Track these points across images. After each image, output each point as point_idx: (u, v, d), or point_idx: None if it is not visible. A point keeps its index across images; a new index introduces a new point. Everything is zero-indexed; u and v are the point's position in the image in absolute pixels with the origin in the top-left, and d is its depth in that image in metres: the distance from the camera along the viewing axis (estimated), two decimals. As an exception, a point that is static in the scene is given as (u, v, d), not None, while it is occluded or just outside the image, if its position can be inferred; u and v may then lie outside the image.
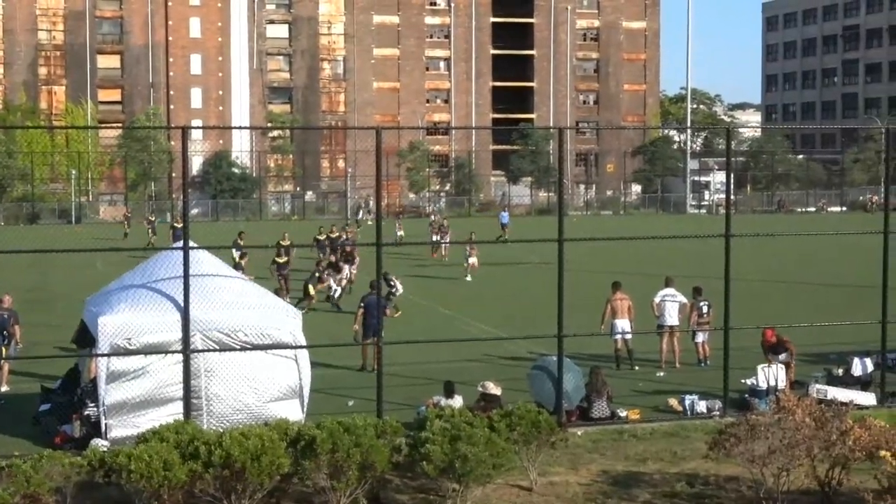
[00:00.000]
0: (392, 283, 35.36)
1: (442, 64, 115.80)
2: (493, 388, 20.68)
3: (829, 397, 20.58)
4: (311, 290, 35.15)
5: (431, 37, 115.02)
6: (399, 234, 61.81)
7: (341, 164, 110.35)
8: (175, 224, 59.45)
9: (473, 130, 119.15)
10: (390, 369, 23.24)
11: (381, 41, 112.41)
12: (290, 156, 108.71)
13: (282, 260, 38.51)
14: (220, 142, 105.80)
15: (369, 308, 25.95)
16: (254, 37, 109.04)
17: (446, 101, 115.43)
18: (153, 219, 66.65)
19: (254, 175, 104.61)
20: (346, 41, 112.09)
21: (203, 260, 20.16)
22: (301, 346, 19.43)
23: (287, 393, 19.24)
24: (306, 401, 19.47)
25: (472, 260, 45.88)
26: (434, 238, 55.23)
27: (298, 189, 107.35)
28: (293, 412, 18.77)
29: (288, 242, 40.24)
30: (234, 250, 38.55)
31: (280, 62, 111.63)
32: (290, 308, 20.93)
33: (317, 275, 36.40)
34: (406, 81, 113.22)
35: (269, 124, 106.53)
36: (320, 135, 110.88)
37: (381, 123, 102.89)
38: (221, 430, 15.48)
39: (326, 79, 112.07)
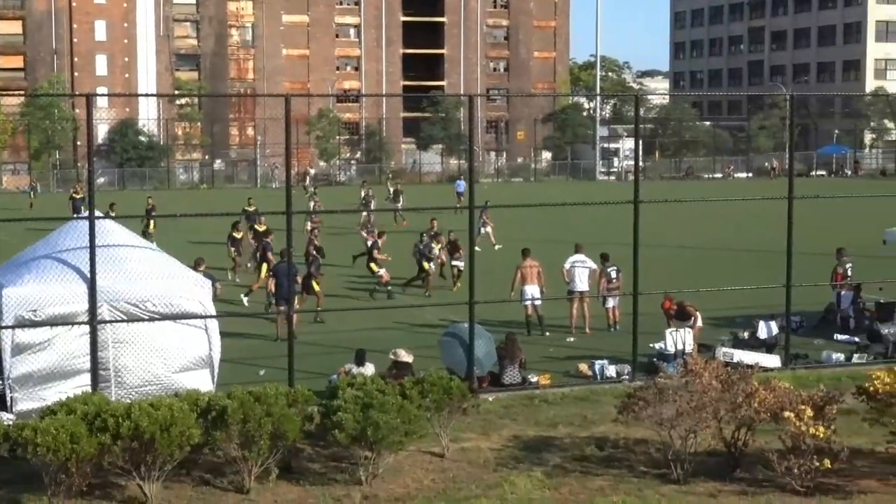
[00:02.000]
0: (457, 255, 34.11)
1: (352, 31, 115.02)
2: (405, 356, 20.71)
3: (735, 360, 20.94)
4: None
5: (341, 3, 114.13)
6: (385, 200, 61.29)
7: (250, 132, 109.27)
8: (74, 195, 57.91)
9: (384, 98, 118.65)
10: (302, 338, 23.18)
11: (290, 8, 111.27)
12: (199, 124, 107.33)
13: (238, 235, 37.23)
14: (127, 109, 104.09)
15: (279, 276, 25.77)
16: (160, 2, 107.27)
17: (356, 69, 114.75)
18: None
19: (161, 143, 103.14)
20: (255, 7, 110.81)
21: (111, 230, 19.87)
22: (210, 316, 19.26)
23: (197, 363, 19.08)
24: (217, 371, 19.34)
25: (488, 229, 44.59)
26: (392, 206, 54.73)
27: (207, 157, 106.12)
28: (204, 382, 18.63)
29: (264, 227, 35.49)
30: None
31: (187, 28, 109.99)
32: (199, 277, 20.71)
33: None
34: (315, 48, 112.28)
35: (177, 91, 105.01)
36: (229, 102, 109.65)
37: (291, 91, 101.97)
38: (130, 402, 15.33)
39: (235, 46, 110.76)
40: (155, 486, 14.70)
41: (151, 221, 44.04)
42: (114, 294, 18.43)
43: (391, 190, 62.15)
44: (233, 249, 36.60)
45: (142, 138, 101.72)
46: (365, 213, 47.60)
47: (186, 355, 18.95)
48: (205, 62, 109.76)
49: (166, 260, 20.45)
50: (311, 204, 50.69)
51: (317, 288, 28.61)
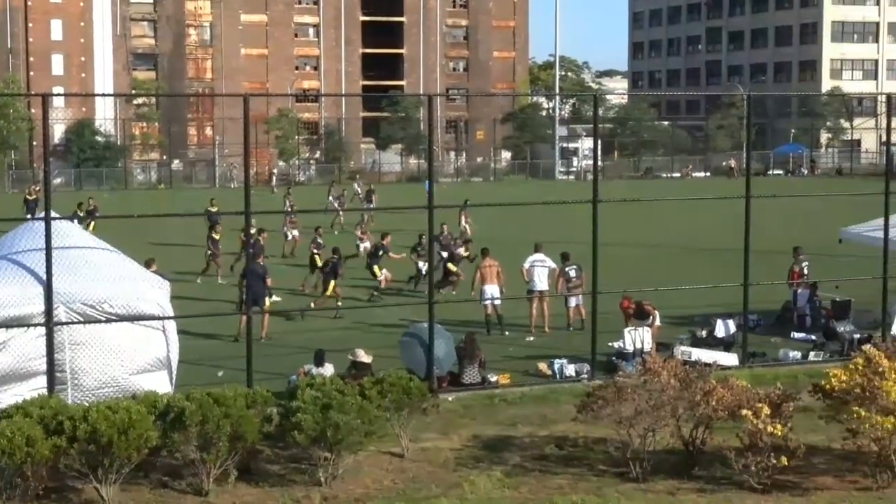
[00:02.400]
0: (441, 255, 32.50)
1: (311, 30, 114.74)
2: (364, 356, 20.68)
3: (693, 359, 21.06)
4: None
5: (300, 3, 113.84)
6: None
7: (209, 131, 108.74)
8: (28, 196, 56.66)
9: (343, 98, 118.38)
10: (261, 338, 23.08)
11: (249, 7, 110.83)
12: (156, 123, 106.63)
13: (217, 236, 36.45)
14: (83, 109, 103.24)
15: (248, 277, 25.66)
16: (117, 2, 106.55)
17: (315, 68, 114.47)
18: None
19: (118, 143, 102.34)
20: (213, 7, 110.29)
21: (67, 232, 19.70)
22: (168, 318, 19.11)
23: (155, 364, 18.91)
24: (175, 372, 19.20)
25: (466, 227, 44.22)
26: (365, 206, 54.72)
27: (165, 157, 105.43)
28: (162, 384, 18.47)
29: (254, 230, 32.23)
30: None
31: (144, 28, 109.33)
32: (157, 278, 20.58)
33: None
34: (274, 48, 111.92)
35: (134, 91, 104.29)
36: (187, 102, 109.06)
37: (250, 90, 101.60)
38: (87, 405, 15.21)
39: (193, 45, 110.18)
40: (112, 490, 14.59)
41: (92, 223, 43.43)
42: (70, 295, 18.26)
43: (363, 190, 61.94)
44: (210, 251, 36.18)
45: (99, 138, 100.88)
46: (343, 213, 47.70)
47: (144, 357, 18.78)
48: (162, 62, 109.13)
49: (123, 261, 20.29)
50: (287, 204, 50.15)
51: (329, 291, 28.53)
